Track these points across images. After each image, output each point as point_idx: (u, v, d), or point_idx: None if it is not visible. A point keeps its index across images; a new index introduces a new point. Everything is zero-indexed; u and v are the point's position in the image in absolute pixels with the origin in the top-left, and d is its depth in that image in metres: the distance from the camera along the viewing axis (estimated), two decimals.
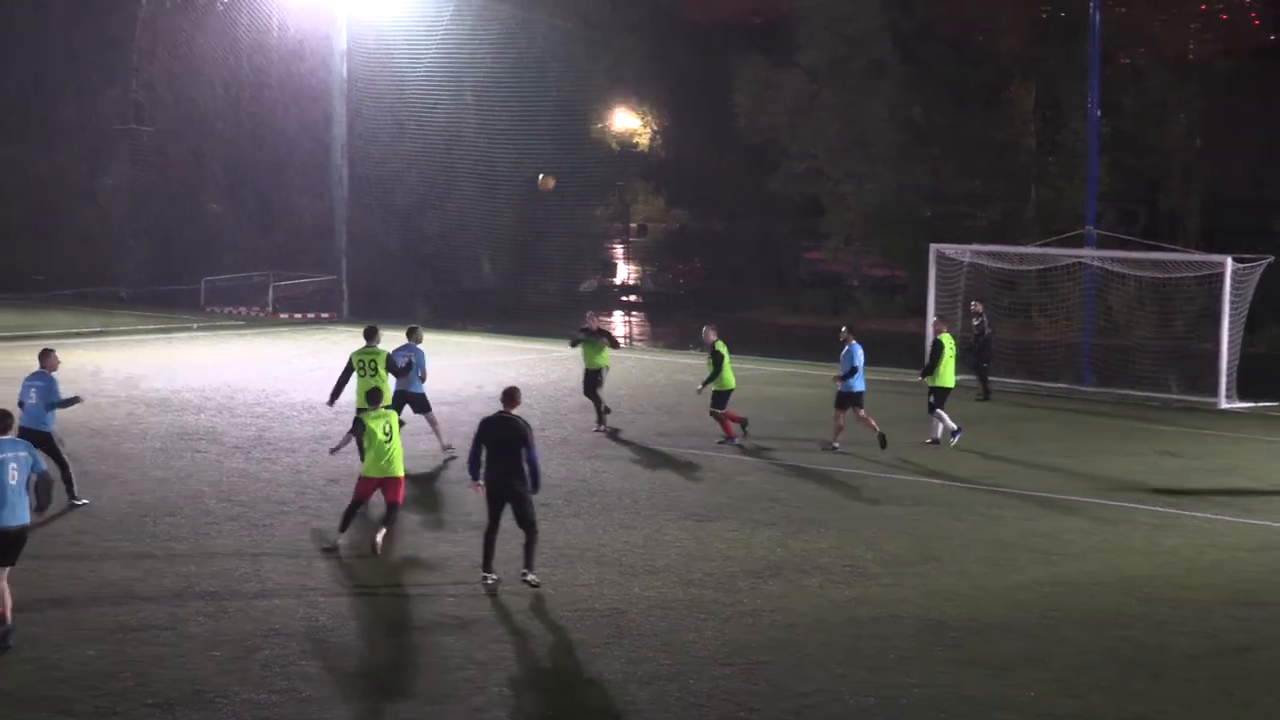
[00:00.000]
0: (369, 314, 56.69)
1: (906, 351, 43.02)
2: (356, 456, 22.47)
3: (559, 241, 66.62)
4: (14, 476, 16.82)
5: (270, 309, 59.29)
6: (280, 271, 62.92)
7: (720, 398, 30.74)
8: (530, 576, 19.26)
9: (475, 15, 62.35)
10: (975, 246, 45.85)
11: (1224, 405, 38.47)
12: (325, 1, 59.59)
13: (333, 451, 23.32)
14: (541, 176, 38.80)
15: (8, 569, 16.88)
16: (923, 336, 42.47)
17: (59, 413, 23.88)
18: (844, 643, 17.48)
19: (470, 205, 64.46)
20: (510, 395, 19.74)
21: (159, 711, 14.91)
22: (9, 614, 16.73)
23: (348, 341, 47.11)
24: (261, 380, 38.77)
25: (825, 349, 46.25)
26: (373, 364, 26.92)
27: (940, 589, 19.95)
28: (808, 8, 65.57)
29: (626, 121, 79.18)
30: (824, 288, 68.64)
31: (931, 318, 40.77)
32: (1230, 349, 38.90)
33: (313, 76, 63.37)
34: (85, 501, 23.68)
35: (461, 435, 30.79)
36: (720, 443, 30.60)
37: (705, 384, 30.87)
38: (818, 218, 67.48)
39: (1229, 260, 39.34)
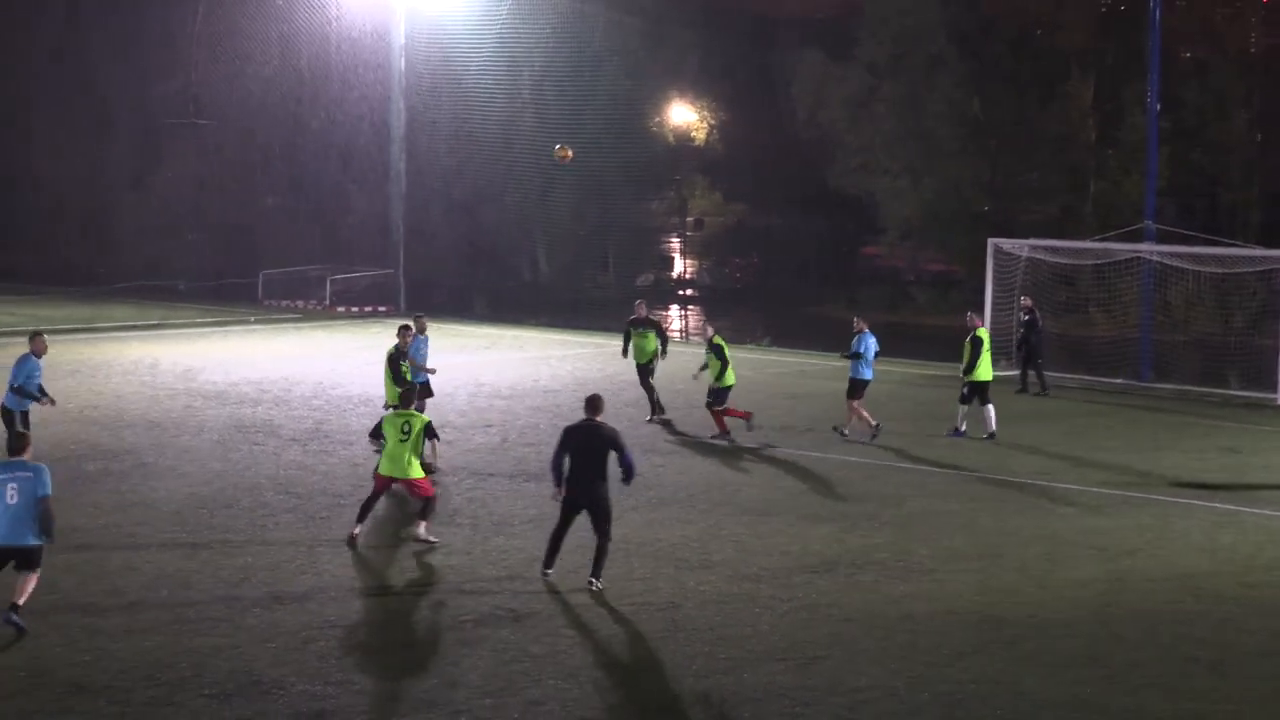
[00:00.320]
0: (425, 307, 56.89)
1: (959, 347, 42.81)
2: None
3: (616, 235, 66.64)
4: (13, 497, 16.79)
5: (327, 302, 59.46)
6: (337, 265, 63.09)
7: (719, 394, 30.57)
8: (597, 585, 19.13)
9: (533, 8, 62.42)
10: (1033, 241, 45.65)
11: None
12: None
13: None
14: (559, 147, 38.40)
15: (31, 574, 17.01)
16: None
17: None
18: (899, 638, 17.44)
19: (528, 199, 64.57)
20: (594, 403, 19.55)
21: (215, 701, 15.00)
22: (20, 600, 16.87)
23: None
24: (318, 373, 38.93)
25: (884, 344, 46.28)
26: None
27: (997, 585, 19.88)
28: (868, 2, 65.51)
29: (684, 115, 79.07)
30: (881, 283, 68.41)
31: (985, 312, 40.69)
32: None
33: (370, 70, 63.54)
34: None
35: (517, 428, 30.97)
36: (713, 438, 30.40)
37: (702, 370, 31.13)
38: (875, 212, 67.26)
39: None
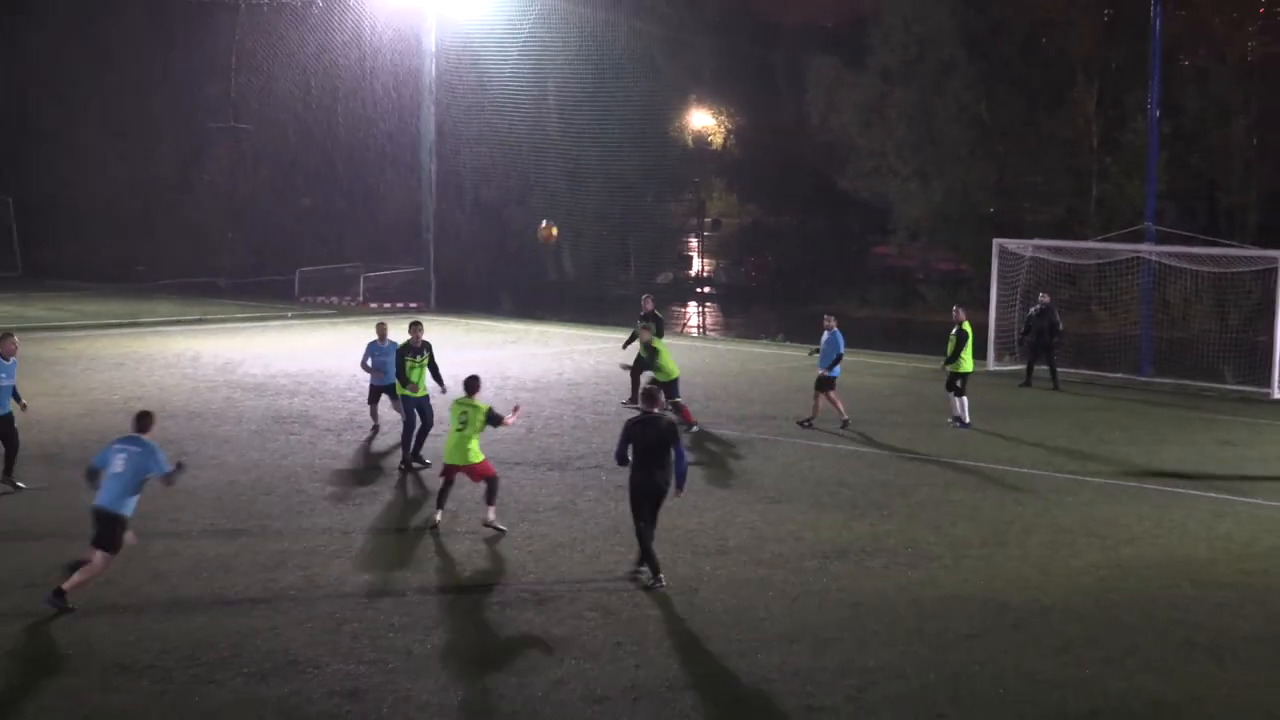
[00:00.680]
0: (454, 304, 57.08)
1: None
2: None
3: (637, 235, 66.75)
4: (120, 466, 17.23)
5: (361, 298, 59.56)
6: (370, 263, 63.24)
7: (666, 388, 29.66)
8: (657, 581, 18.61)
9: (558, 17, 62.52)
10: (1037, 241, 45.63)
11: (1278, 395, 38.10)
12: (415, 4, 59.95)
13: None
14: (545, 224, 38.21)
15: (101, 551, 17.20)
16: (985, 328, 42.51)
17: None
18: (908, 622, 17.44)
19: (552, 200, 64.68)
20: (652, 396, 19.14)
21: (254, 680, 15.06)
22: (70, 587, 17.03)
23: (435, 330, 47.42)
24: (352, 366, 38.70)
25: (895, 340, 46.32)
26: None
27: (1002, 571, 19.87)
28: (881, 9, 65.54)
29: (702, 120, 79.09)
30: (892, 282, 68.37)
31: (990, 310, 40.64)
32: None
33: (402, 77, 63.66)
34: (22, 485, 23.33)
35: (542, 419, 30.97)
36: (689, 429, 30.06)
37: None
38: (886, 214, 67.23)
39: None
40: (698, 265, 77.50)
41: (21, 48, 72.13)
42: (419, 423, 25.70)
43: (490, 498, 21.31)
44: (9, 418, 23.21)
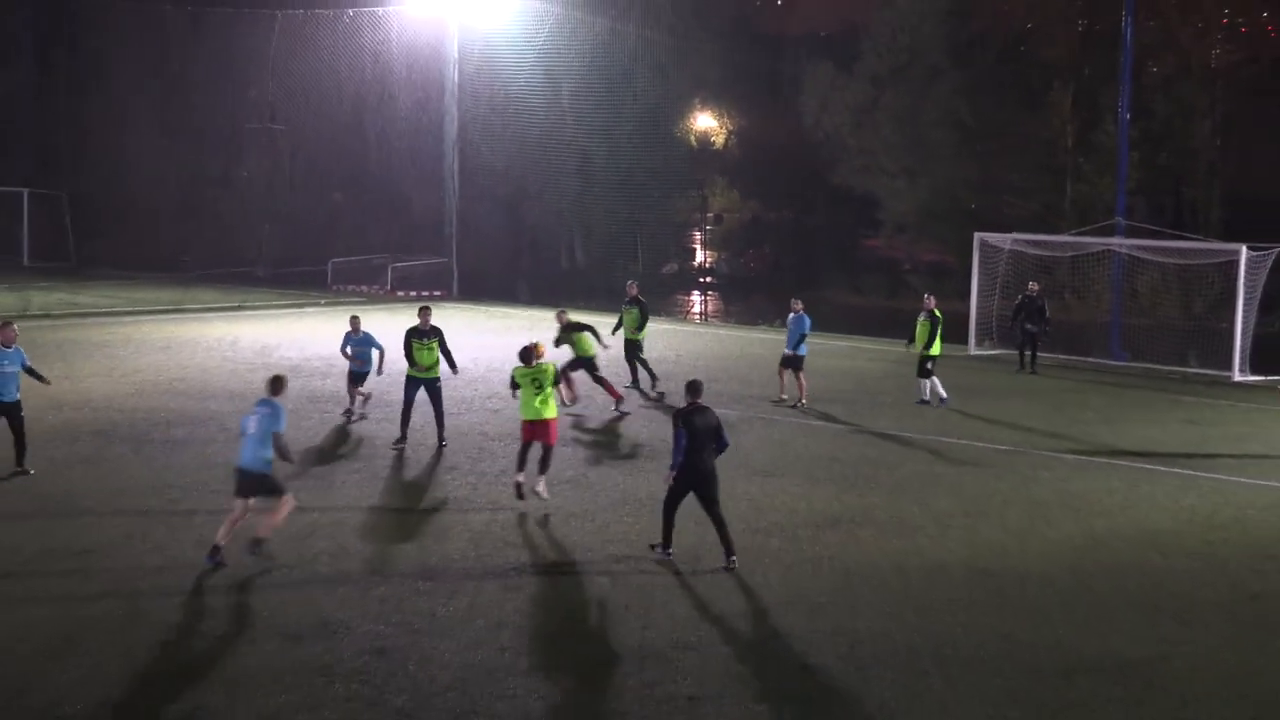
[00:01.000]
0: (475, 292, 57.03)
1: (953, 330, 42.72)
2: (470, 427, 22.47)
3: (645, 229, 66.69)
4: (253, 427, 17.74)
5: (388, 287, 59.51)
6: (397, 254, 63.17)
7: (586, 364, 29.99)
8: (734, 562, 18.13)
9: (572, 26, 62.49)
10: (1015, 235, 45.54)
11: (1238, 378, 38.05)
12: (439, 14, 59.98)
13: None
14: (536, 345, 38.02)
15: (245, 500, 17.78)
16: (967, 315, 42.55)
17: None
18: (895, 588, 17.42)
19: (566, 197, 64.66)
20: (696, 387, 18.79)
21: (289, 641, 15.06)
22: (224, 539, 17.56)
23: (457, 316, 47.59)
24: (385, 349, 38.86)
25: (885, 326, 46.17)
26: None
27: (982, 541, 19.84)
28: (872, 20, 65.51)
29: (706, 122, 78.96)
30: (882, 272, 68.25)
31: (971, 299, 40.58)
32: (1244, 328, 38.44)
33: (427, 81, 63.62)
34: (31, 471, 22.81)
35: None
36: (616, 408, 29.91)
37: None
38: (875, 208, 67.21)
39: (1244, 248, 38.86)
40: (701, 257, 77.47)
41: (79, 54, 72.21)
42: (415, 403, 25.51)
43: (543, 467, 21.24)
44: (16, 404, 22.42)
